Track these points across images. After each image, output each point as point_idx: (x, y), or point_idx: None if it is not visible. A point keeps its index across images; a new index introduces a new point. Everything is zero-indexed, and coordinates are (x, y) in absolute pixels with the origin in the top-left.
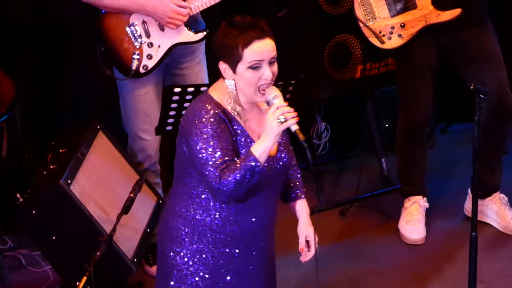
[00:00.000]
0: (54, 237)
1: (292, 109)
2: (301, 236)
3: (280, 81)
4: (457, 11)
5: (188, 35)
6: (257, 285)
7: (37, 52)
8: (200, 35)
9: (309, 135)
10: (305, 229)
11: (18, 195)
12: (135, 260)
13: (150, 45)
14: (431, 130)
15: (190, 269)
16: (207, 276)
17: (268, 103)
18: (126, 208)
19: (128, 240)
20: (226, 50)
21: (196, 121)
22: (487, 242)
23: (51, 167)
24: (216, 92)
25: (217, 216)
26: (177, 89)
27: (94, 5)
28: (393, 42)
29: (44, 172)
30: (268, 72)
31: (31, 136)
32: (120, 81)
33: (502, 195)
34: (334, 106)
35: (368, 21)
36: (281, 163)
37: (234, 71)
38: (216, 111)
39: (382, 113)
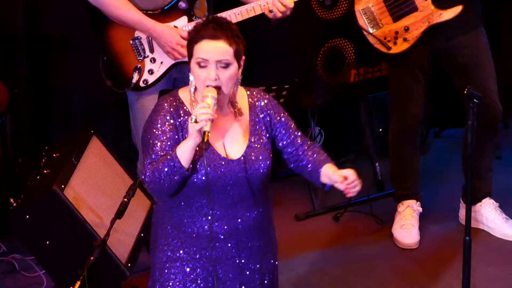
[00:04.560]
0: (47, 242)
1: (209, 111)
2: (336, 176)
3: (274, 86)
4: (458, 8)
5: None
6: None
7: (29, 58)
8: None
9: None
10: (337, 172)
11: (11, 200)
12: (129, 264)
13: (153, 60)
14: (424, 135)
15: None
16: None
17: None
18: (120, 213)
19: (122, 244)
20: (187, 46)
21: (152, 113)
22: (481, 246)
23: (45, 172)
24: (184, 90)
25: (175, 215)
26: None
27: (103, 11)
28: (399, 47)
29: (38, 177)
30: (211, 73)
31: (25, 141)
32: (123, 93)
33: (492, 201)
34: (328, 110)
35: (372, 28)
36: (243, 167)
37: (190, 66)
38: (167, 105)
39: (375, 118)
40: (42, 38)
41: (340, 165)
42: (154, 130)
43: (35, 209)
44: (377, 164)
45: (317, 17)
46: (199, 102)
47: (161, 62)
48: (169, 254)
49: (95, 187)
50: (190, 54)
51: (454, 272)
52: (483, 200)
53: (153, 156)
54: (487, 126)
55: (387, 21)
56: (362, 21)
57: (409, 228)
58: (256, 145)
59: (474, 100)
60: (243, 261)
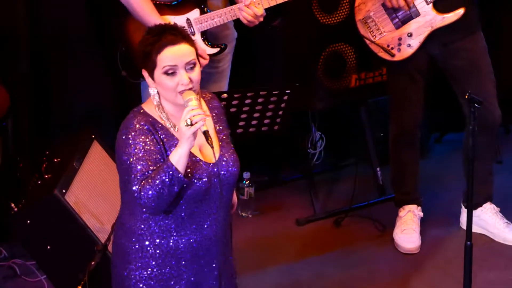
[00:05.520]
0: (48, 247)
1: (201, 111)
2: None
3: (275, 90)
4: (460, 11)
5: (204, 48)
6: None
7: (30, 62)
8: (214, 50)
9: (304, 144)
10: None
11: (12, 205)
12: None
13: None
14: (425, 140)
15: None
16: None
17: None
18: None
19: None
20: (143, 58)
21: (123, 134)
22: (482, 251)
23: (46, 176)
24: (148, 103)
25: (156, 230)
26: None
27: (129, 10)
28: (403, 53)
29: (39, 182)
30: (184, 78)
31: (26, 145)
32: (141, 85)
33: (493, 205)
34: (329, 115)
35: (374, 37)
36: (224, 172)
37: (153, 78)
38: (142, 122)
39: (376, 122)
40: (42, 38)
41: (341, 169)
42: (137, 150)
43: (36, 214)
44: (378, 168)
45: (318, 22)
46: (169, 113)
47: None
48: (149, 272)
49: (96, 192)
50: (153, 67)
51: (455, 277)
52: (484, 205)
53: (144, 173)
54: (486, 129)
55: (389, 28)
56: (364, 30)
57: (410, 233)
58: (225, 145)
59: (475, 105)
60: (222, 266)
